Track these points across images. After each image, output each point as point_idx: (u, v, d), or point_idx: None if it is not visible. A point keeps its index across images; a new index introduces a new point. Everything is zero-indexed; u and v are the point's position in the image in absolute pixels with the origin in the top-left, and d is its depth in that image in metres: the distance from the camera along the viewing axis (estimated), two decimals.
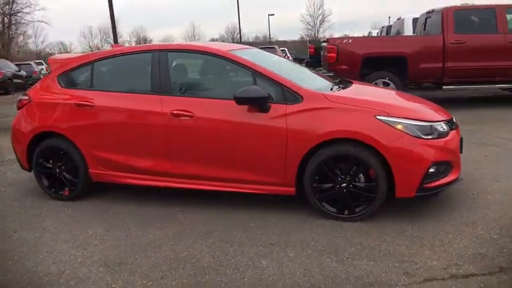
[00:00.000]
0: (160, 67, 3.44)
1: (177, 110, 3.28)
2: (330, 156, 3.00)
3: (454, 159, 3.10)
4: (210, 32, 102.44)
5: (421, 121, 2.98)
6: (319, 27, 53.13)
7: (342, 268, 2.46)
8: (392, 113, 2.98)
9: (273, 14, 50.06)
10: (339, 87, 3.54)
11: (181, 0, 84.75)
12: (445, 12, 7.39)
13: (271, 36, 52.10)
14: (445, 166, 3.03)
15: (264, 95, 3.03)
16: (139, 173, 3.54)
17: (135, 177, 3.57)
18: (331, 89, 3.41)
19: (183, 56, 3.66)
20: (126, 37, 58.35)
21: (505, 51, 7.10)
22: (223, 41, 57.73)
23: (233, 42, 60.22)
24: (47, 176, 3.86)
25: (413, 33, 10.25)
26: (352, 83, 3.79)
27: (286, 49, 24.26)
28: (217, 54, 3.38)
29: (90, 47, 66.18)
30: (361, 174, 3.02)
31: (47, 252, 2.85)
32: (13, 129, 3.97)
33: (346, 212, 3.08)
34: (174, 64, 3.52)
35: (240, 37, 37.73)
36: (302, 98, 3.07)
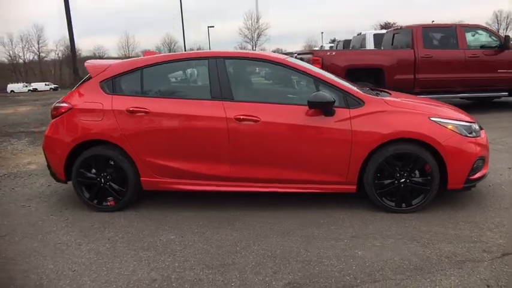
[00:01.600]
0: (219, 74, 3.53)
1: (242, 115, 3.39)
2: (391, 155, 3.32)
3: (486, 155, 3.59)
4: (145, 42, 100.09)
5: (464, 122, 3.43)
6: (257, 40, 54.53)
7: (430, 251, 2.76)
8: (442, 115, 3.40)
9: (213, 26, 50.46)
10: (386, 93, 3.88)
11: (113, 9, 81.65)
12: (414, 29, 8.25)
13: (207, 48, 52.52)
14: (482, 160, 3.50)
15: (332, 99, 3.28)
16: (197, 178, 3.56)
17: (193, 183, 3.58)
18: (377, 95, 3.75)
19: (241, 63, 3.78)
20: (52, 46, 54.81)
21: (465, 65, 8.09)
22: (160, 52, 57.33)
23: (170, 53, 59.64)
24: (89, 187, 3.71)
25: (374, 47, 11.18)
26: (388, 91, 4.16)
27: None
28: (278, 62, 3.56)
29: (10, 55, 61.13)
30: (417, 170, 3.38)
31: (136, 261, 2.79)
32: (48, 138, 3.75)
33: (403, 205, 3.41)
34: (232, 71, 3.62)
35: (185, 48, 37.29)
36: (364, 102, 3.37)
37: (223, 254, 2.84)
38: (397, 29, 9.21)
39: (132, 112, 3.53)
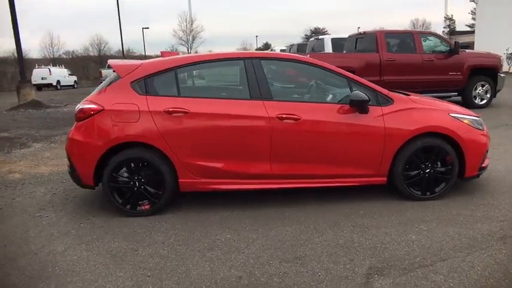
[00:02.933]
0: (256, 74, 3.60)
1: (283, 113, 3.50)
2: (419, 148, 3.65)
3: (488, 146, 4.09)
4: (72, 43, 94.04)
5: (474, 117, 3.88)
6: (192, 42, 53.66)
7: (471, 232, 3.11)
8: (458, 111, 3.82)
9: (148, 28, 49.06)
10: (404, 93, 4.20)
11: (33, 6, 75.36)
12: (378, 34, 8.92)
13: (136, 50, 51.10)
14: (487, 150, 3.98)
15: (368, 98, 3.52)
16: (237, 177, 3.59)
17: (232, 183, 3.61)
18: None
19: (276, 64, 3.86)
20: None
21: (422, 68, 8.92)
22: (89, 54, 54.09)
23: (99, 55, 56.78)
24: (121, 192, 3.56)
25: (332, 51, 11.81)
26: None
27: None
28: (313, 64, 3.73)
29: None
30: (439, 161, 3.75)
31: (207, 261, 2.77)
32: (75, 142, 3.53)
33: (428, 193, 3.76)
34: (269, 71, 3.70)
35: (123, 50, 35.81)
36: (392, 100, 3.67)
37: (290, 248, 2.93)
38: (360, 34, 9.86)
39: (170, 113, 3.46)
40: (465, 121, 3.75)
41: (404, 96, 3.82)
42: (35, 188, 4.52)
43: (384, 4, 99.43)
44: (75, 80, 33.23)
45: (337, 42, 11.83)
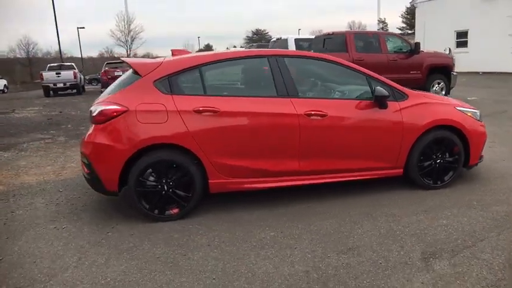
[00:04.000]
0: (281, 71, 3.63)
1: (311, 110, 3.57)
2: (431, 140, 3.91)
3: None
4: None
5: (474, 110, 4.23)
6: (131, 43, 51.47)
7: (491, 214, 3.39)
8: (462, 105, 4.14)
9: (84, 27, 46.34)
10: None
11: None
12: (347, 35, 9.31)
13: (66, 51, 48.11)
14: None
15: (388, 93, 3.71)
16: (266, 176, 3.60)
17: (261, 181, 3.60)
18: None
19: (299, 62, 3.89)
20: None
21: (387, 67, 9.45)
22: (16, 56, 49.71)
23: (28, 56, 52.37)
24: (147, 197, 3.40)
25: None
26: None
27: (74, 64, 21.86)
28: (332, 61, 3.84)
29: None
30: (448, 151, 4.03)
31: (266, 259, 2.76)
32: (96, 146, 3.31)
33: (438, 182, 4.03)
34: (293, 69, 3.73)
35: (60, 51, 33.58)
36: (407, 95, 3.88)
37: (338, 240, 3.01)
38: (328, 34, 10.22)
39: (200, 112, 3.38)
40: (468, 114, 4.08)
41: (417, 91, 4.06)
42: (31, 200, 4.15)
43: (319, 7, 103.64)
44: (5, 84, 30.19)
45: (300, 43, 12.14)
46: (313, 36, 12.22)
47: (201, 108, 3.38)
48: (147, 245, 3.04)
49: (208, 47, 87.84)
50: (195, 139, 3.37)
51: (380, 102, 3.72)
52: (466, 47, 19.95)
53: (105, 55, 55.78)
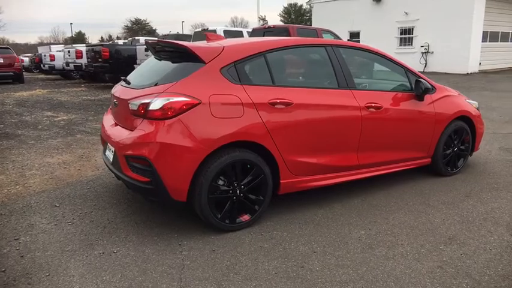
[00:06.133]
0: (340, 62, 3.46)
1: (370, 103, 3.50)
2: (453, 130, 4.21)
3: None
4: None
5: (475, 102, 4.68)
6: None
7: None
8: (467, 98, 4.55)
9: None
10: None
11: None
12: (290, 28, 9.44)
13: None
14: None
15: (431, 87, 3.86)
16: (329, 171, 3.41)
17: (326, 178, 3.40)
18: None
19: (350, 53, 3.69)
20: None
21: None
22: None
23: None
24: (218, 204, 2.91)
25: None
26: None
27: None
28: (379, 53, 3.80)
29: None
30: (461, 140, 4.40)
31: (383, 260, 2.62)
32: (162, 147, 2.67)
33: (454, 169, 4.38)
34: (347, 60, 3.57)
35: None
36: (435, 88, 4.10)
37: (430, 231, 3.01)
38: (268, 27, 10.19)
39: (273, 105, 3.01)
40: (474, 105, 4.52)
41: (440, 85, 4.32)
42: (26, 220, 3.17)
43: (203, 1, 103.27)
44: None
45: (230, 34, 11.86)
46: (241, 29, 12.09)
47: (277, 101, 3.01)
48: (247, 261, 2.59)
49: (80, 35, 79.44)
50: (271, 135, 2.99)
51: (421, 94, 3.85)
52: None
53: None
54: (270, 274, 2.44)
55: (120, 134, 3.01)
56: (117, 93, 3.28)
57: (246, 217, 3.03)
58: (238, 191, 2.95)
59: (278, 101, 3.02)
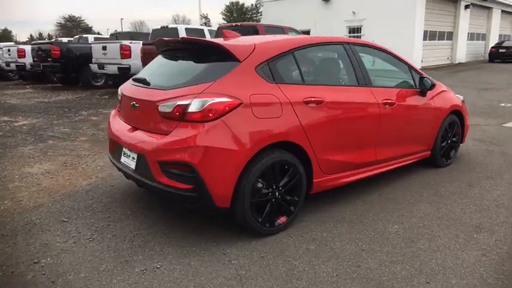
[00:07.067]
0: (357, 60, 3.49)
1: (386, 99, 3.57)
2: (448, 123, 4.44)
3: None
4: None
5: (461, 96, 4.96)
6: None
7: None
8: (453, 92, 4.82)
9: None
10: None
11: None
12: (258, 26, 9.41)
13: None
14: None
15: (434, 83, 4.03)
16: (352, 168, 3.43)
17: (349, 175, 3.41)
18: None
19: (362, 50, 3.69)
20: None
21: None
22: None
23: None
24: (258, 208, 2.80)
25: None
26: None
27: None
28: (387, 51, 3.89)
29: None
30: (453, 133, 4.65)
31: (451, 250, 2.67)
32: (208, 150, 2.50)
33: (448, 160, 4.62)
34: (361, 57, 3.59)
35: None
36: (435, 84, 4.28)
37: (456, 221, 3.15)
38: (235, 25, 10.06)
39: (307, 103, 2.95)
40: (461, 99, 4.79)
41: (438, 82, 4.52)
42: (37, 238, 2.82)
43: None
44: None
45: (191, 32, 11.54)
46: (202, 27, 11.83)
47: (312, 99, 2.96)
48: (302, 265, 2.51)
49: (6, 33, 72.94)
50: (306, 134, 2.93)
51: (425, 90, 4.00)
52: None
53: None
54: (332, 277, 2.39)
55: (148, 138, 2.77)
56: (135, 95, 3.02)
57: (282, 219, 2.95)
58: (277, 193, 2.86)
59: (313, 99, 2.97)
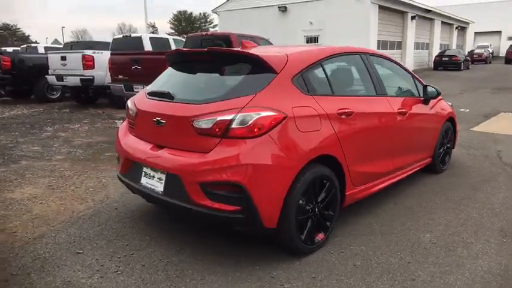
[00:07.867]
0: (374, 70, 3.50)
1: (400, 109, 3.61)
2: (444, 130, 4.59)
3: None
4: None
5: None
6: None
7: None
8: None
9: None
10: None
11: None
12: (231, 35, 9.29)
13: None
14: None
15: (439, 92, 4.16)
16: (374, 179, 3.41)
17: (372, 186, 3.39)
18: None
19: (376, 61, 3.68)
20: None
21: None
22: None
23: None
24: (301, 226, 2.67)
25: (152, 49, 11.09)
26: None
27: None
28: (393, 61, 3.97)
29: None
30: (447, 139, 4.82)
31: (495, 255, 2.70)
32: (257, 168, 2.35)
33: (444, 166, 4.77)
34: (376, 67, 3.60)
35: None
36: (440, 93, 4.40)
37: (485, 222, 3.22)
38: (206, 34, 9.85)
39: (340, 115, 2.89)
40: (449, 104, 5.00)
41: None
42: (55, 275, 2.48)
43: (82, 5, 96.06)
44: None
45: (155, 41, 11.13)
46: (167, 36, 11.48)
47: (345, 111, 2.90)
48: (358, 283, 2.42)
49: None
50: (341, 147, 2.86)
51: (429, 99, 4.11)
52: None
53: None
54: None
55: (181, 157, 2.54)
56: (160, 110, 2.77)
57: (321, 235, 2.84)
58: (316, 209, 2.75)
59: (346, 111, 2.91)
